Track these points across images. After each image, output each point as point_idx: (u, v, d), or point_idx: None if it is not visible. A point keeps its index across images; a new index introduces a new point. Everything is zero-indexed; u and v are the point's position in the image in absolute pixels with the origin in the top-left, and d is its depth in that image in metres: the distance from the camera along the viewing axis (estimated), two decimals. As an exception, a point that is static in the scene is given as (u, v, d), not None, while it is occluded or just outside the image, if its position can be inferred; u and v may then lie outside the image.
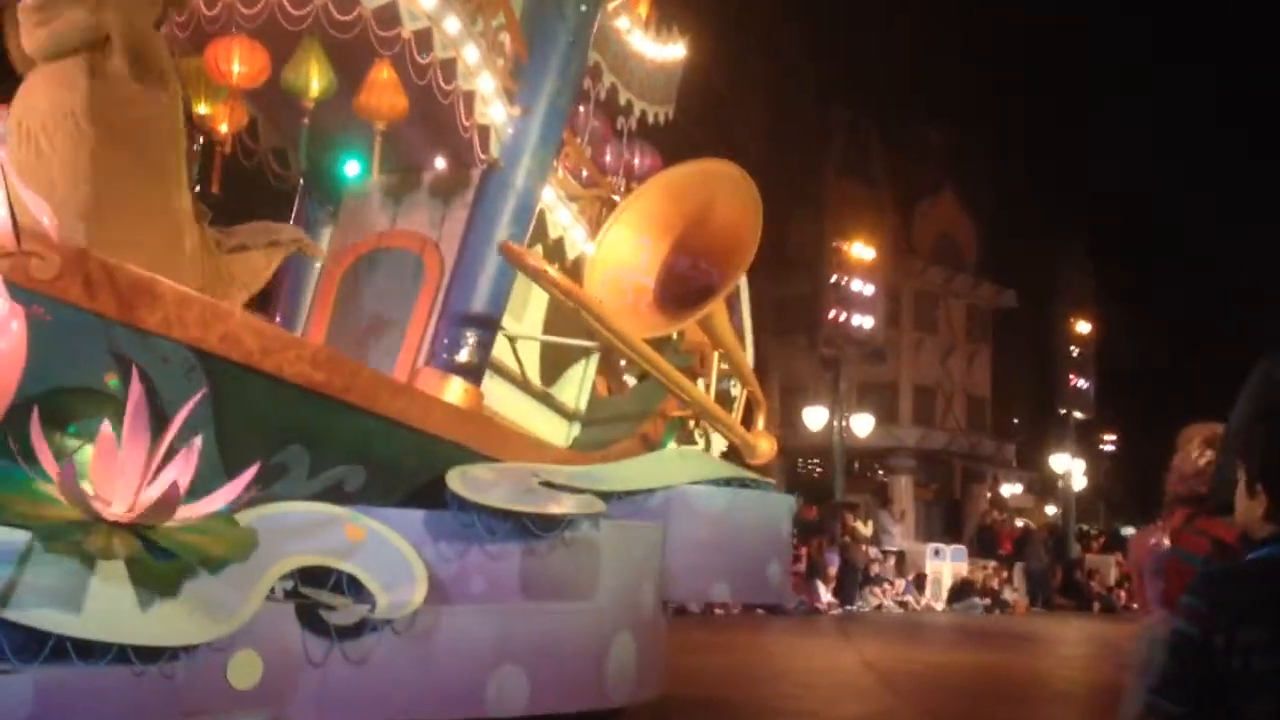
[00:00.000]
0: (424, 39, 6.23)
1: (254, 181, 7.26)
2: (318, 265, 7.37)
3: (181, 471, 4.61)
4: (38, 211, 4.50)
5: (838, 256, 29.63)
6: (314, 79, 6.28)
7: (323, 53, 6.28)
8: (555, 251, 7.47)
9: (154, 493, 4.51)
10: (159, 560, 4.50)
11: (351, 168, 7.29)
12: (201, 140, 6.65)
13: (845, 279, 29.63)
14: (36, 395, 4.49)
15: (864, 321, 29.70)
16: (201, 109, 6.54)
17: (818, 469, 34.63)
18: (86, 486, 4.46)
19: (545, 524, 5.83)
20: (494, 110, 6.68)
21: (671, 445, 8.01)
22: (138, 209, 5.37)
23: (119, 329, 4.83)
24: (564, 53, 7.01)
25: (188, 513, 4.68)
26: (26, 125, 5.17)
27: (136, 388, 4.56)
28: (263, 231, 6.18)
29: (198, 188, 6.33)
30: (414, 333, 6.76)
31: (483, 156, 6.69)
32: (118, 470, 4.53)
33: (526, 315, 7.48)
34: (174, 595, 4.45)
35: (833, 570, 21.67)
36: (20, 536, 4.34)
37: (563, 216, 7.44)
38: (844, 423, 28.44)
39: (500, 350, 7.14)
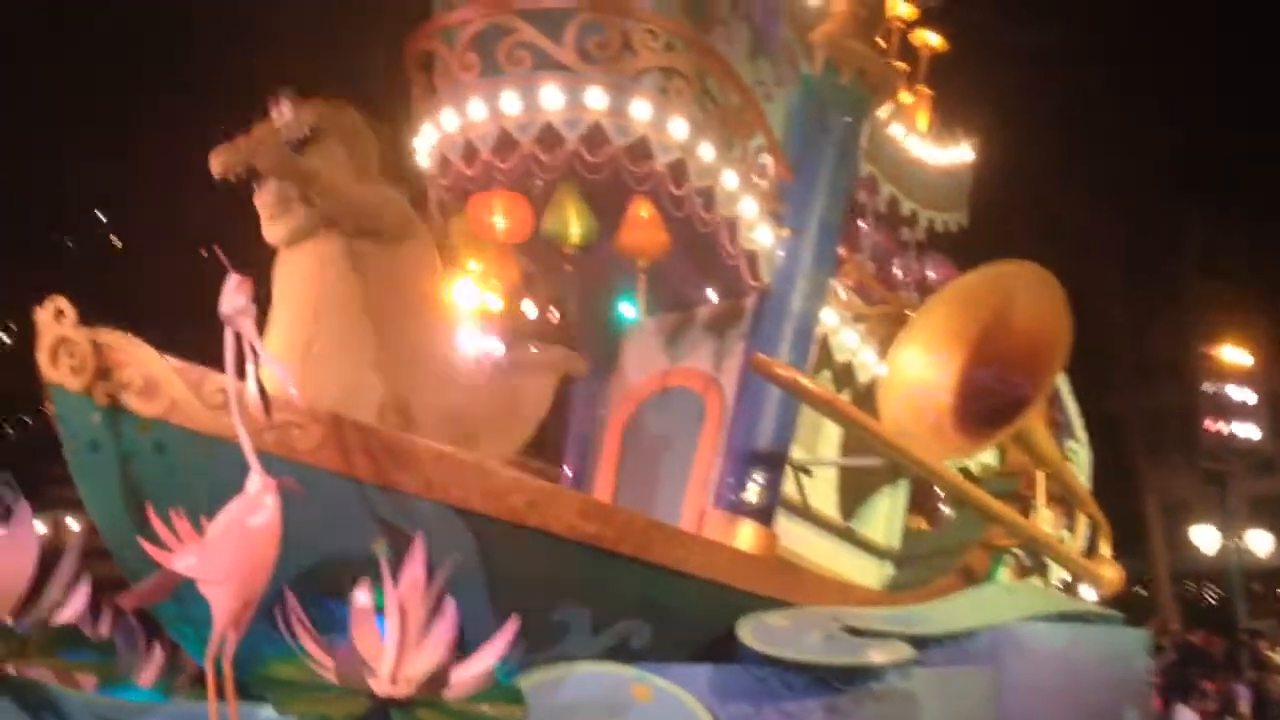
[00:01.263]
0: (678, 170, 5.97)
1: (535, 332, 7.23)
2: (601, 414, 7.22)
3: (441, 642, 4.41)
4: (284, 380, 4.50)
5: (1208, 362, 27.54)
6: (573, 224, 6.15)
7: (579, 196, 6.14)
8: (845, 376, 7.01)
9: (423, 665, 4.33)
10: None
11: (625, 309, 7.12)
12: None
13: (1220, 386, 27.44)
14: (304, 567, 4.44)
15: (1247, 430, 27.31)
16: (472, 265, 6.54)
17: (1212, 594, 31.66)
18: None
19: (848, 676, 5.32)
20: (760, 234, 6.36)
21: (1000, 578, 7.24)
22: (408, 371, 5.45)
23: (378, 493, 4.74)
24: (831, 167, 6.64)
25: (458, 680, 4.46)
26: (293, 307, 5.32)
27: (415, 553, 4.44)
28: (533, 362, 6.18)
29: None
30: (699, 475, 6.43)
31: (753, 283, 6.37)
32: (387, 643, 4.37)
33: (819, 448, 7.00)
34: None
35: (1245, 707, 19.60)
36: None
37: (849, 339, 6.98)
38: (1238, 542, 26.04)
39: (795, 487, 6.70)
